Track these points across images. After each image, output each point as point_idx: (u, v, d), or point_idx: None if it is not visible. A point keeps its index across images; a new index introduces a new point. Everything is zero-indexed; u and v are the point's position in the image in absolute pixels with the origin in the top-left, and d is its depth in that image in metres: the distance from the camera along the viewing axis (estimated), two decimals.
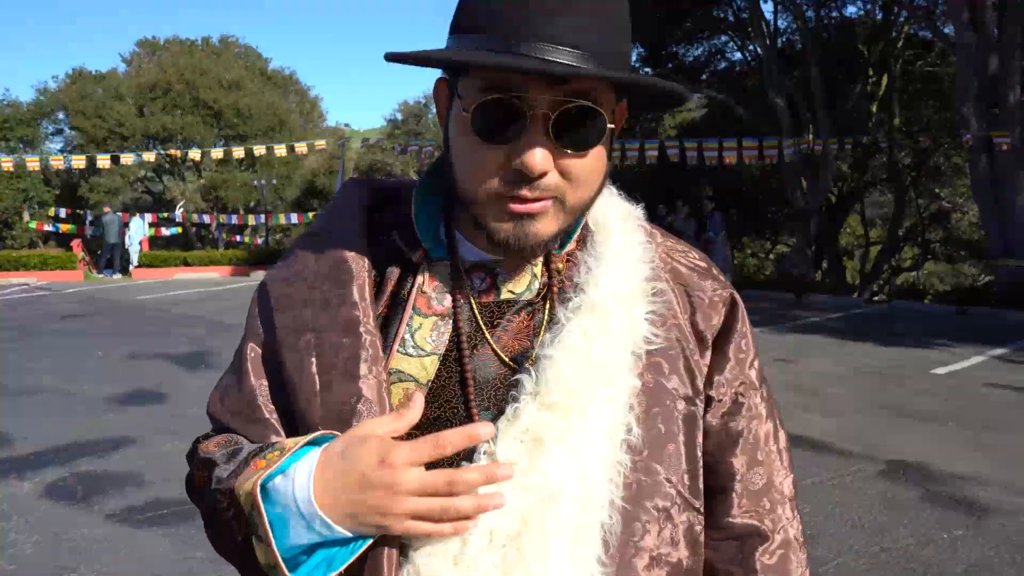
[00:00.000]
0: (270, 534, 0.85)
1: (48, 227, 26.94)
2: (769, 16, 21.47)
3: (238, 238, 30.62)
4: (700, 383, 1.03)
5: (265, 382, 1.02)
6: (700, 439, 1.03)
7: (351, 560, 0.87)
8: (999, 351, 9.90)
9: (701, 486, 1.03)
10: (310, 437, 0.89)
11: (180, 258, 22.99)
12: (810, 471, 5.31)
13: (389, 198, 1.09)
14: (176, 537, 4.33)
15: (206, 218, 27.49)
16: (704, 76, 24.31)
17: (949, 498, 4.96)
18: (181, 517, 4.56)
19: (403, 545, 0.90)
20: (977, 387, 7.98)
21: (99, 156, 22.13)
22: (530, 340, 0.99)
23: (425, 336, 1.00)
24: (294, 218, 26.53)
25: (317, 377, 0.95)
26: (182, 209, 29.40)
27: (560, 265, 1.04)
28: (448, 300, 1.01)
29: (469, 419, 0.95)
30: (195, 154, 23.92)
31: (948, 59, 19.62)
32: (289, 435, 0.98)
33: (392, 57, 0.91)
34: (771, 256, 27.60)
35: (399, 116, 41.64)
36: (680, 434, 1.00)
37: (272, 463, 0.87)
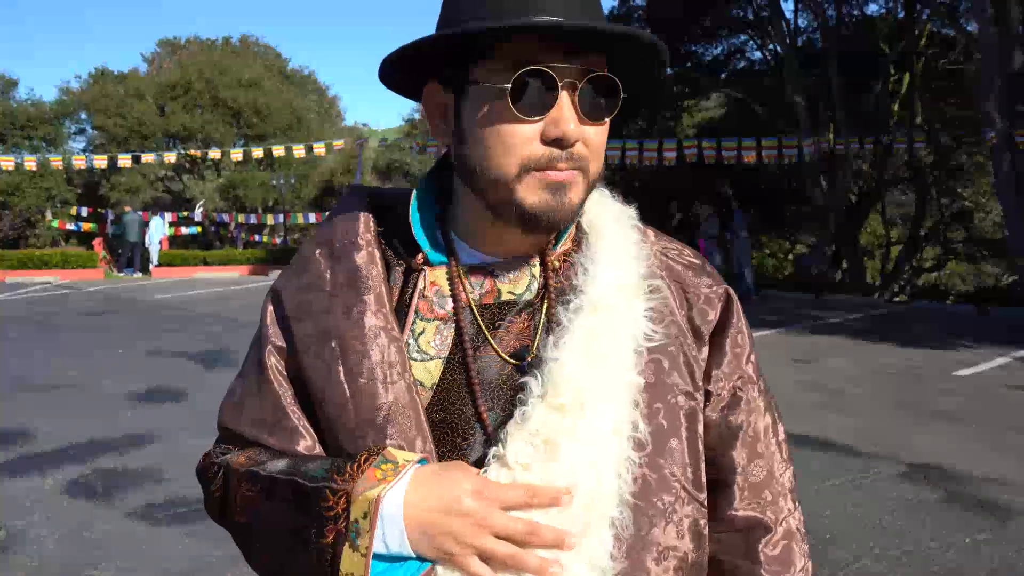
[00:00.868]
0: (373, 540, 0.86)
1: (70, 226, 27.17)
2: (789, 15, 21.35)
3: (257, 237, 30.78)
4: (699, 378, 1.05)
5: (289, 389, 1.03)
6: (701, 432, 1.05)
7: None
8: (1022, 352, 9.77)
9: (704, 480, 1.04)
10: (419, 457, 0.92)
11: (199, 257, 23.17)
12: (830, 473, 5.27)
13: (386, 206, 1.11)
14: (195, 534, 4.35)
15: (225, 217, 27.65)
16: (723, 75, 24.18)
17: (971, 500, 4.91)
18: (201, 514, 4.58)
19: None
20: (1000, 388, 7.89)
21: (120, 155, 22.30)
22: (532, 340, 1.00)
23: (429, 340, 1.01)
24: (312, 217, 26.60)
25: (346, 385, 0.97)
26: (202, 208, 29.56)
27: (557, 263, 1.05)
28: (449, 304, 1.02)
29: (478, 421, 0.97)
30: (215, 154, 24.02)
31: (971, 56, 19.41)
32: (319, 440, 1.01)
33: (392, 58, 0.97)
34: (790, 255, 27.42)
35: (417, 115, 41.66)
36: (682, 429, 1.02)
37: (388, 477, 0.89)
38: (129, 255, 22.03)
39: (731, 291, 1.12)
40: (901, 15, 20.37)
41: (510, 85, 0.91)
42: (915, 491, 5.07)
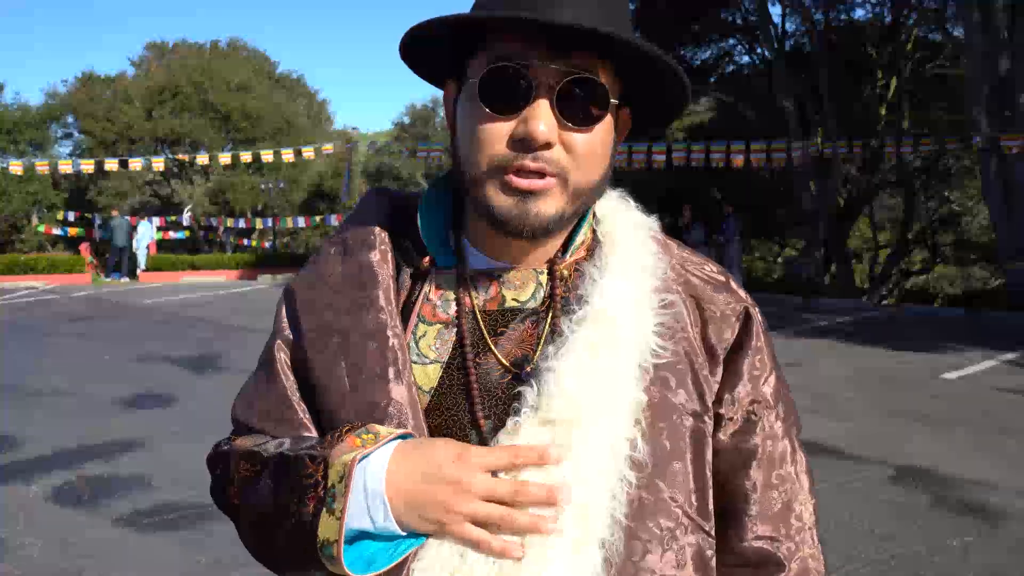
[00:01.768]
0: (347, 508, 0.85)
1: (57, 231, 27.04)
2: (777, 19, 21.47)
3: (245, 241, 30.69)
4: (709, 399, 1.00)
5: (295, 382, 1.03)
6: (709, 457, 1.00)
7: (389, 566, 0.87)
8: (1010, 355, 9.83)
9: (711, 507, 0.99)
10: (400, 431, 0.91)
11: (187, 262, 23.08)
12: (819, 477, 5.25)
13: (404, 208, 1.10)
14: (183, 541, 4.32)
15: (214, 221, 27.56)
16: (712, 79, 24.27)
17: (960, 504, 4.92)
18: (188, 521, 4.55)
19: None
20: (988, 392, 7.93)
21: (107, 160, 22.19)
22: (534, 349, 0.98)
23: (429, 344, 1.00)
24: (301, 221, 26.56)
25: (347, 379, 0.97)
26: (190, 212, 29.44)
27: (566, 272, 1.03)
28: (452, 308, 1.01)
29: (474, 427, 0.95)
30: (203, 158, 23.95)
31: (958, 61, 19.53)
32: (319, 436, 1.00)
33: (405, 41, 0.95)
34: (780, 259, 27.52)
35: (407, 119, 41.64)
36: (687, 451, 0.97)
37: (368, 445, 0.88)
38: (116, 260, 21.92)
39: (752, 310, 1.06)
40: (888, 20, 20.50)
41: (478, 80, 0.91)
42: (904, 495, 5.08)
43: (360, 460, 0.87)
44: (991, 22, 14.42)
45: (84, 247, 23.69)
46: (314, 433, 1.00)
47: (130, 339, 11.21)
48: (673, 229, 18.14)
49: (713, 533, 0.99)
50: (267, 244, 30.35)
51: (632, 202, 1.09)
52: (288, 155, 21.34)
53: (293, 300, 1.07)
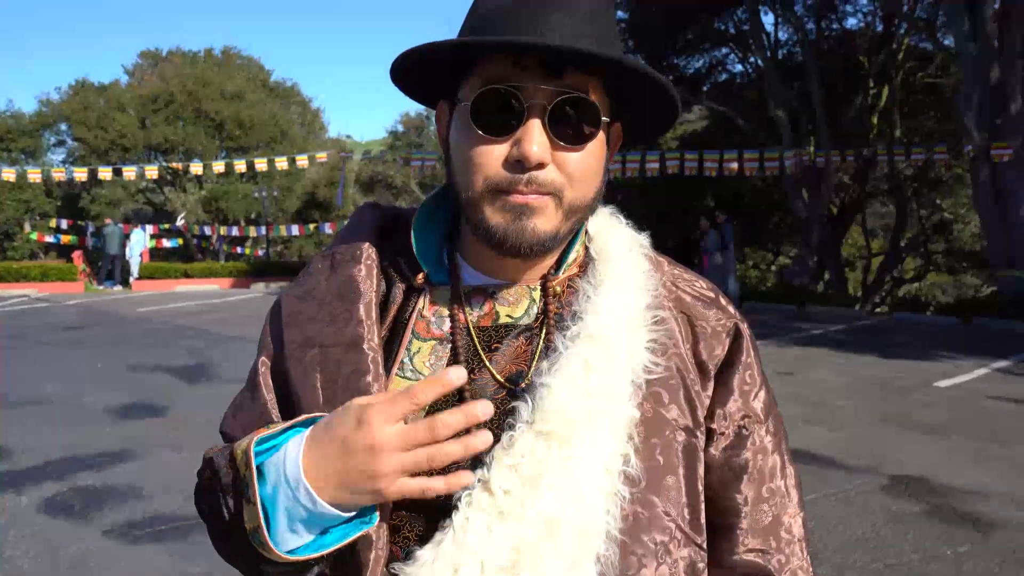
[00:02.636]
0: (256, 487, 0.84)
1: (49, 238, 26.96)
2: (770, 28, 21.57)
3: (239, 250, 30.66)
4: (701, 414, 1.01)
5: (275, 396, 1.03)
6: (701, 472, 1.01)
7: (340, 545, 0.86)
8: (1002, 363, 9.86)
9: (703, 521, 1.00)
10: (304, 418, 0.90)
11: (180, 270, 23.02)
12: (812, 485, 5.28)
13: (399, 224, 1.10)
14: (174, 552, 4.30)
15: (207, 229, 27.52)
16: (705, 87, 24.36)
17: (953, 512, 4.93)
18: (180, 532, 4.53)
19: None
20: (980, 400, 7.95)
21: (101, 168, 22.17)
22: (528, 364, 0.98)
23: (424, 360, 1.00)
24: (295, 230, 26.55)
25: (321, 391, 0.97)
26: (183, 220, 29.41)
27: (559, 289, 1.04)
28: (447, 324, 1.02)
29: None
30: (197, 166, 23.94)
31: (949, 70, 19.65)
32: None
33: (396, 64, 0.96)
34: (773, 267, 27.60)
35: (400, 128, 41.70)
36: (680, 466, 0.98)
37: (271, 431, 0.88)
38: (109, 268, 21.86)
39: (742, 326, 1.07)
40: (880, 29, 20.62)
41: (470, 103, 0.92)
42: (897, 504, 5.08)
43: (258, 443, 0.86)
44: (981, 31, 14.51)
45: (77, 255, 23.63)
46: None
47: (123, 348, 11.17)
48: (688, 240, 18.31)
49: (705, 546, 1.00)
50: (260, 252, 30.28)
51: (623, 219, 1.10)
52: (282, 163, 21.37)
53: (279, 314, 1.07)
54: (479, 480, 0.90)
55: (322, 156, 23.43)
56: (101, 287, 21.49)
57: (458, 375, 0.82)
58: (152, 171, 23.59)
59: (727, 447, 1.03)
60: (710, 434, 1.03)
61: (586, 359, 0.93)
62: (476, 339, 1.00)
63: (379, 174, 35.60)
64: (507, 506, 0.88)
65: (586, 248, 1.07)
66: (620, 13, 21.75)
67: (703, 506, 1.01)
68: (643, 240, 1.08)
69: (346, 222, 1.14)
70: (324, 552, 0.86)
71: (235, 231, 27.39)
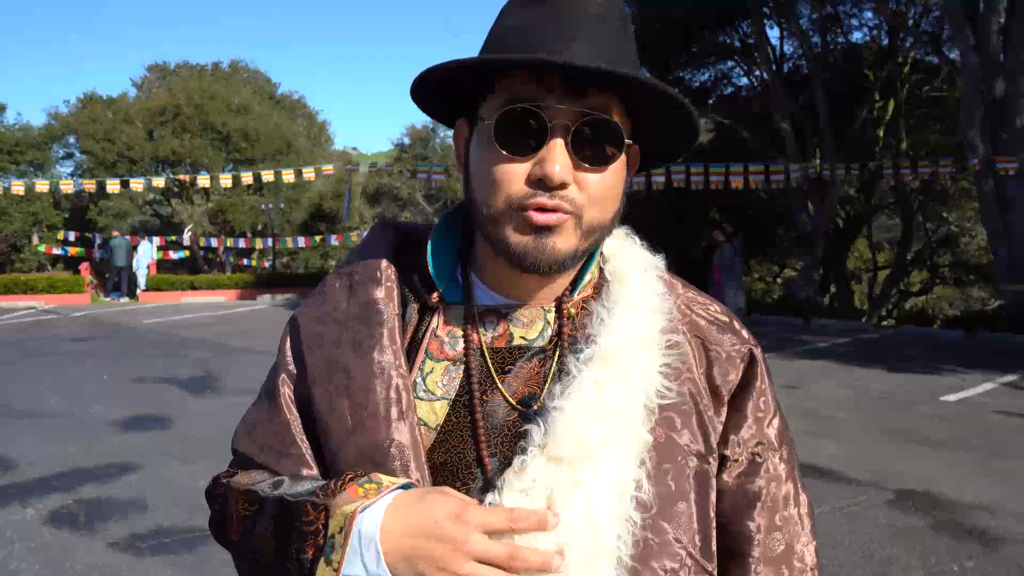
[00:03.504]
0: (345, 561, 0.85)
1: (57, 250, 27.05)
2: (775, 41, 21.60)
3: (245, 262, 30.73)
4: (714, 441, 1.01)
5: (298, 417, 1.03)
6: (713, 499, 1.01)
7: None
8: (1009, 377, 9.82)
9: (714, 548, 1.00)
10: (403, 481, 0.91)
11: (187, 282, 23.08)
12: (818, 500, 5.25)
13: (412, 241, 1.10)
14: (180, 565, 4.30)
15: (213, 242, 27.60)
16: (710, 100, 24.38)
17: (959, 527, 4.90)
18: (185, 544, 4.53)
19: None
20: (987, 414, 7.91)
21: (108, 180, 22.26)
22: (540, 387, 0.98)
23: (436, 380, 1.00)
24: (301, 242, 26.59)
25: (349, 418, 0.96)
26: (190, 232, 29.50)
27: (573, 310, 1.03)
28: (460, 345, 1.01)
29: (479, 465, 0.95)
30: (204, 179, 24.03)
31: (955, 83, 19.64)
32: (321, 472, 1.00)
33: (417, 81, 0.95)
34: (778, 280, 27.54)
35: (406, 140, 41.82)
36: (692, 492, 0.98)
37: (370, 495, 0.88)
38: (116, 280, 21.94)
39: (756, 351, 1.07)
40: (885, 42, 20.64)
41: (493, 121, 0.92)
42: (903, 518, 5.06)
43: (361, 511, 0.87)
44: (986, 44, 14.52)
45: (84, 267, 23.71)
46: (315, 469, 1.00)
47: (129, 359, 11.20)
48: (707, 251, 18.29)
49: (716, 574, 1.00)
50: (267, 264, 30.37)
51: (638, 240, 1.09)
52: (288, 175, 21.41)
53: (298, 333, 1.06)
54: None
55: (328, 168, 23.47)
56: (108, 299, 21.56)
57: (554, 521, 0.86)
58: (159, 183, 23.67)
59: (740, 474, 1.03)
60: (723, 460, 1.02)
61: (599, 382, 0.93)
62: (489, 360, 1.00)
63: (385, 186, 35.67)
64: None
65: (600, 269, 1.06)
66: None
67: (714, 533, 1.00)
68: (658, 262, 1.08)
69: (361, 239, 1.13)
70: None
71: (241, 243, 27.45)
